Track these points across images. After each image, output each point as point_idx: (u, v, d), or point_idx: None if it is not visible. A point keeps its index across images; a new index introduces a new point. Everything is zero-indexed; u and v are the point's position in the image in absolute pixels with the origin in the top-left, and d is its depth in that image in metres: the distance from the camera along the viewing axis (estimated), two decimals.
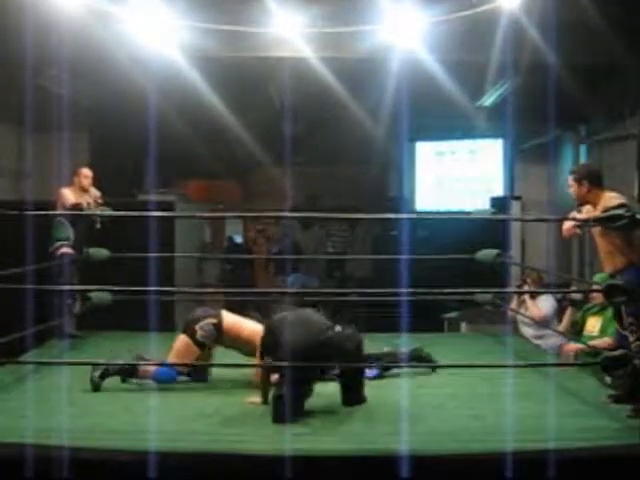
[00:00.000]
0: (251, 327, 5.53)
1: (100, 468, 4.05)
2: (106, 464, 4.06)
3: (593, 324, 6.27)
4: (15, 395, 5.22)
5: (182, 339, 5.51)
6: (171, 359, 5.49)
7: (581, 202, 5.14)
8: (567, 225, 5.22)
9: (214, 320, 5.50)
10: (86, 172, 7.36)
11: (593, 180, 5.03)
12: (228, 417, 4.83)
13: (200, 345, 5.46)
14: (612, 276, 4.92)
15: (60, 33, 7.06)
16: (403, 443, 4.19)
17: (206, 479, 4.08)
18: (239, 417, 4.84)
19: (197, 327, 5.46)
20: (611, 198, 4.92)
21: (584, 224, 5.14)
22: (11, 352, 5.68)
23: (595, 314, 6.31)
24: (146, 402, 5.03)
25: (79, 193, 7.24)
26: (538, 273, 8.29)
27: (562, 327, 6.94)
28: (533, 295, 7.75)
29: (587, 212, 5.11)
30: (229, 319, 5.57)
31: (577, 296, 6.82)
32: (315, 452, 4.20)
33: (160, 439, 4.22)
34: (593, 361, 5.44)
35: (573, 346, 5.98)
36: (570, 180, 5.10)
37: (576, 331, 6.59)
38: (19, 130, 9.22)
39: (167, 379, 5.44)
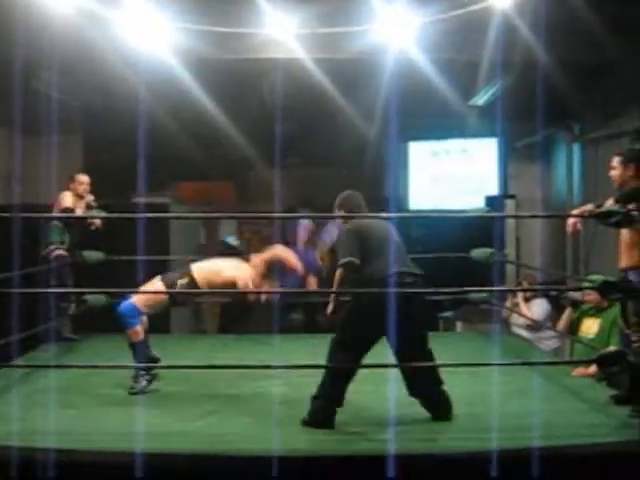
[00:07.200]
0: (228, 267, 5.50)
1: (96, 470, 4.05)
2: (102, 466, 4.06)
3: (589, 326, 6.25)
4: (8, 399, 5.20)
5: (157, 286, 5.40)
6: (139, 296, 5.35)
7: (621, 185, 5.08)
8: (571, 220, 5.21)
9: (186, 279, 5.40)
10: (82, 178, 7.35)
11: None
12: (225, 417, 4.84)
13: (175, 303, 5.54)
14: (624, 271, 4.91)
15: (52, 35, 7.03)
16: (398, 442, 4.19)
17: (204, 479, 4.08)
18: (236, 417, 4.85)
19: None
20: None
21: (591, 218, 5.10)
22: (4, 356, 5.66)
23: (592, 316, 6.27)
24: (142, 403, 5.02)
25: (76, 198, 7.24)
26: (533, 276, 8.29)
27: (560, 327, 6.92)
28: (527, 299, 7.74)
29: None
30: (202, 271, 5.47)
31: (576, 296, 6.78)
32: (310, 452, 4.20)
33: (156, 440, 4.21)
34: (588, 359, 5.45)
35: (582, 370, 5.93)
36: (615, 162, 5.08)
37: (572, 331, 6.58)
38: (11, 133, 9.18)
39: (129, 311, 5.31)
